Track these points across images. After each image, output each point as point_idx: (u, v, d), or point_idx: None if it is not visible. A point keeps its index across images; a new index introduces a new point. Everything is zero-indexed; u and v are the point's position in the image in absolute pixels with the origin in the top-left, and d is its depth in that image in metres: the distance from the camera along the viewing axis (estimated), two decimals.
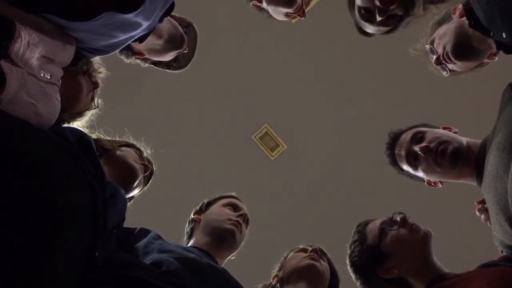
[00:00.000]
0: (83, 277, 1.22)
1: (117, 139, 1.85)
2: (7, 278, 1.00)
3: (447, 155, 1.61)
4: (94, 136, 1.77)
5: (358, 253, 1.67)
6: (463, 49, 1.63)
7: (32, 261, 1.04)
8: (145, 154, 1.85)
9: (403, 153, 1.75)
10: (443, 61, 1.68)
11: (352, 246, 1.71)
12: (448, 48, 1.64)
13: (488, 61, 1.70)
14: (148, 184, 1.87)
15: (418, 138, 1.71)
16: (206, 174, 4.16)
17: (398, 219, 1.63)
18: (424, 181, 1.79)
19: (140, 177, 1.74)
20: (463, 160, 1.60)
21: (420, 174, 1.73)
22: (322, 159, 4.31)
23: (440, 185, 1.76)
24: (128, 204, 1.71)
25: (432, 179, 1.74)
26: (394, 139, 1.80)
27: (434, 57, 1.71)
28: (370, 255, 1.63)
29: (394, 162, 1.81)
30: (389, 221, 1.65)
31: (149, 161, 1.84)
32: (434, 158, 1.63)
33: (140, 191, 1.81)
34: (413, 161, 1.71)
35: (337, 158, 4.27)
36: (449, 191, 1.86)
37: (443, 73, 1.76)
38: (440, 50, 1.68)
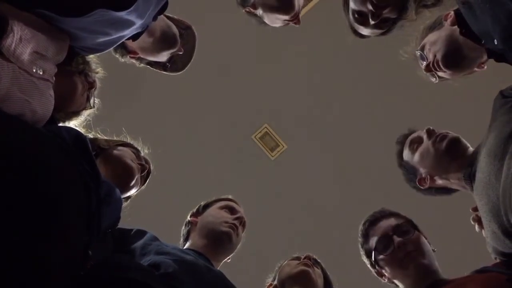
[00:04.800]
0: (78, 277, 1.22)
1: (114, 138, 1.86)
2: (4, 277, 1.00)
3: (446, 140, 1.65)
4: (91, 135, 1.78)
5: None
6: (454, 58, 1.64)
7: (27, 260, 1.03)
8: (142, 154, 1.85)
9: (409, 140, 1.79)
10: (433, 69, 1.69)
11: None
12: (439, 56, 1.65)
13: (477, 69, 1.71)
14: (145, 184, 1.87)
15: (430, 130, 1.74)
16: (205, 174, 4.16)
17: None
18: (416, 181, 1.78)
19: (137, 176, 1.73)
20: (458, 155, 1.62)
21: (415, 159, 1.74)
22: (322, 159, 4.31)
23: (427, 183, 1.74)
24: (125, 204, 1.71)
25: (424, 168, 1.73)
26: (412, 132, 1.84)
27: (424, 63, 1.72)
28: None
29: (400, 153, 1.84)
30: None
31: (146, 161, 1.84)
32: (434, 140, 1.67)
33: (137, 191, 1.80)
34: (415, 146, 1.74)
35: (337, 158, 4.27)
36: (447, 197, 1.87)
37: (432, 79, 1.78)
38: (430, 58, 1.69)
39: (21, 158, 1.10)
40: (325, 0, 4.00)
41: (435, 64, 1.67)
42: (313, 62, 4.26)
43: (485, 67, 1.69)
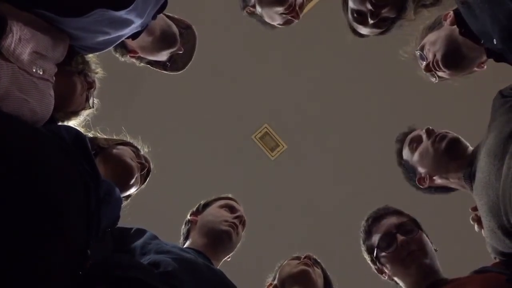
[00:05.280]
0: (77, 276, 1.22)
1: (114, 137, 1.86)
2: (4, 277, 1.00)
3: (446, 140, 1.64)
4: (90, 134, 1.78)
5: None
6: (454, 58, 1.64)
7: (27, 260, 1.04)
8: (142, 153, 1.85)
9: (409, 138, 1.79)
10: (433, 69, 1.69)
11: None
12: (439, 56, 1.65)
13: (477, 69, 1.71)
14: (145, 183, 1.87)
15: (429, 130, 1.73)
16: (205, 174, 4.16)
17: None
18: (415, 180, 1.78)
19: (137, 175, 1.73)
20: (457, 156, 1.62)
21: (415, 159, 1.73)
22: (322, 159, 4.31)
23: (426, 183, 1.74)
24: (125, 203, 1.71)
25: (424, 168, 1.72)
26: (411, 131, 1.84)
27: (424, 63, 1.72)
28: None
29: (399, 151, 1.84)
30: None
31: (146, 160, 1.83)
32: (433, 140, 1.67)
33: (137, 189, 1.80)
34: (415, 145, 1.74)
35: (337, 158, 4.27)
36: (447, 196, 1.87)
37: (432, 79, 1.78)
38: (430, 57, 1.69)
39: (21, 158, 1.11)
40: (325, 0, 4.00)
41: (435, 64, 1.67)
42: (313, 61, 4.25)
43: (485, 67, 1.69)
